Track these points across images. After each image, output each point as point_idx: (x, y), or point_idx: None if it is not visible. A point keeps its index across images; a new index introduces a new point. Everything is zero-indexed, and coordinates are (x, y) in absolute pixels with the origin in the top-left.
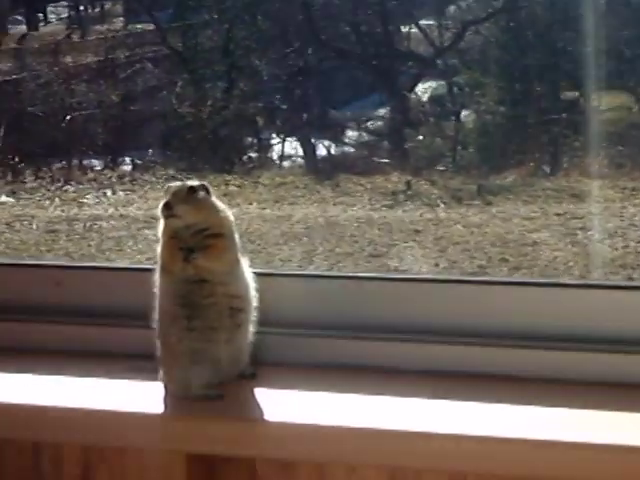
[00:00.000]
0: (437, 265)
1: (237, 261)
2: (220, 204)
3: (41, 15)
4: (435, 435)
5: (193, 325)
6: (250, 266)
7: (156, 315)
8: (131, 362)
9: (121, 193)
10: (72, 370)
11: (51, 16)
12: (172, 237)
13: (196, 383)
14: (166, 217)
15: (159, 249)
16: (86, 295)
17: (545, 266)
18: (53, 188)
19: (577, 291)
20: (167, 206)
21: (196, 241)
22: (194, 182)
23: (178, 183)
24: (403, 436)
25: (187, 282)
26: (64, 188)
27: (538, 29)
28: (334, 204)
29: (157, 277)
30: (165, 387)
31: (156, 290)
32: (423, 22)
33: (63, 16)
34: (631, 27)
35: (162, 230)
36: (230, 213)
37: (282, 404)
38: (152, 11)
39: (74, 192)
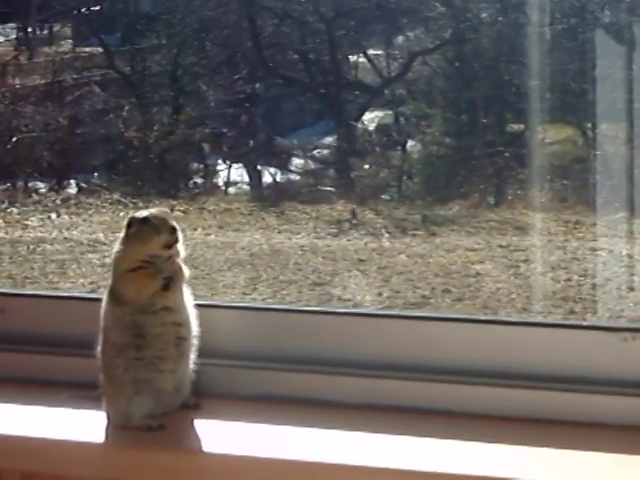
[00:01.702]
0: (380, 294)
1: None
2: None
3: None
4: (372, 469)
5: (141, 355)
6: (191, 294)
7: (101, 344)
8: (73, 391)
9: (65, 216)
10: (14, 397)
11: None
12: (141, 266)
13: (139, 413)
14: (170, 243)
15: (114, 278)
16: (29, 323)
17: (488, 297)
18: None
19: (516, 328)
20: (174, 230)
21: (167, 267)
22: (162, 208)
23: (155, 210)
24: (342, 470)
25: (145, 312)
26: (8, 210)
27: (485, 61)
28: (279, 231)
29: (107, 307)
30: (107, 416)
31: (103, 320)
32: (371, 52)
33: (11, 37)
34: (577, 61)
35: (126, 257)
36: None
37: (223, 435)
38: (100, 34)
39: (18, 214)
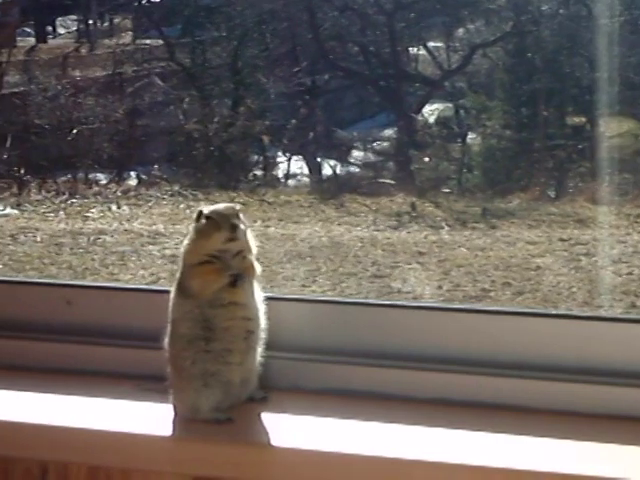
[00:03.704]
0: (440, 287)
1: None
2: None
3: (50, 28)
4: (439, 464)
5: (210, 347)
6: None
7: (169, 337)
8: (141, 383)
9: (126, 208)
10: (81, 390)
11: (60, 29)
12: (208, 261)
13: (206, 406)
14: (230, 240)
15: (183, 271)
16: (96, 314)
17: (548, 291)
18: (58, 201)
19: (580, 322)
20: (234, 228)
21: (235, 263)
22: (231, 204)
23: (221, 206)
24: (410, 465)
25: (213, 306)
26: (69, 201)
27: (546, 54)
28: (339, 224)
29: (175, 300)
30: (175, 409)
31: (171, 312)
32: (431, 44)
33: (72, 29)
34: (638, 53)
35: (193, 250)
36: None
37: (291, 429)
38: (161, 27)
39: (79, 206)
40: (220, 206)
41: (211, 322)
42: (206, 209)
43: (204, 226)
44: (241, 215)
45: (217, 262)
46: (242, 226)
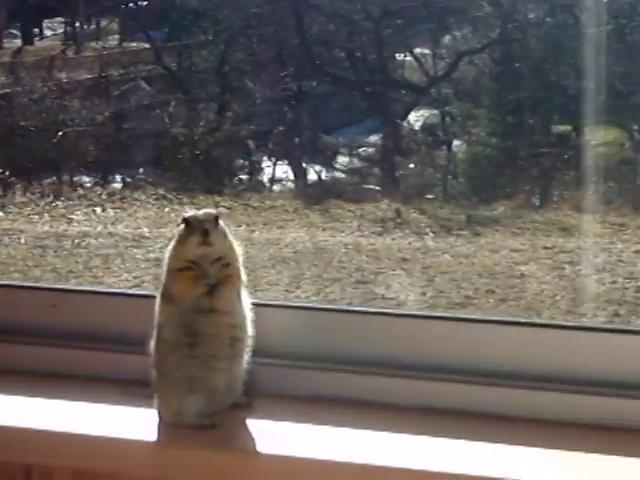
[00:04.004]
0: (424, 294)
1: (240, 291)
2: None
3: (37, 30)
4: (421, 472)
5: (195, 353)
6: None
7: (154, 341)
8: (125, 388)
9: (110, 211)
10: (65, 393)
11: (47, 31)
12: (187, 266)
13: (190, 411)
14: (203, 244)
15: (166, 276)
16: (81, 318)
17: (532, 299)
18: (43, 203)
19: (562, 331)
20: (206, 233)
21: (214, 271)
22: (210, 210)
23: (201, 211)
24: (394, 472)
25: (195, 311)
26: (54, 204)
27: (532, 62)
28: (323, 229)
29: (160, 304)
30: (159, 414)
31: (157, 317)
32: (418, 50)
33: (59, 32)
34: (625, 62)
35: (173, 256)
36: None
37: (275, 436)
38: (148, 30)
39: (64, 208)
40: (200, 211)
41: (194, 328)
42: (186, 214)
43: (181, 231)
44: (220, 221)
45: (196, 269)
46: (219, 231)
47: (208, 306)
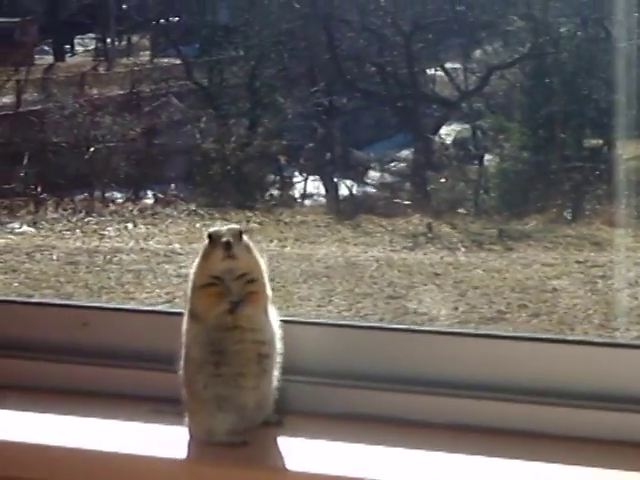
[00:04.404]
0: (456, 309)
1: (267, 307)
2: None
3: (68, 46)
4: None
5: (221, 371)
6: (277, 313)
7: (182, 360)
8: (156, 405)
9: (142, 226)
10: (96, 411)
11: (78, 47)
12: (210, 282)
13: (221, 429)
14: (227, 258)
15: (191, 293)
16: (113, 336)
17: (564, 313)
18: (74, 219)
19: (596, 349)
20: (228, 246)
21: (238, 287)
22: (234, 226)
23: (224, 227)
24: None
25: (219, 329)
26: (85, 220)
27: (564, 76)
28: (355, 244)
29: (186, 323)
30: (190, 432)
31: (183, 335)
32: (449, 65)
33: (90, 48)
34: None
35: (198, 272)
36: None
37: (306, 454)
38: (179, 46)
39: (95, 224)
40: (224, 226)
41: (220, 346)
42: (210, 229)
43: (205, 246)
44: (244, 236)
45: (220, 285)
46: (242, 246)
47: (232, 323)
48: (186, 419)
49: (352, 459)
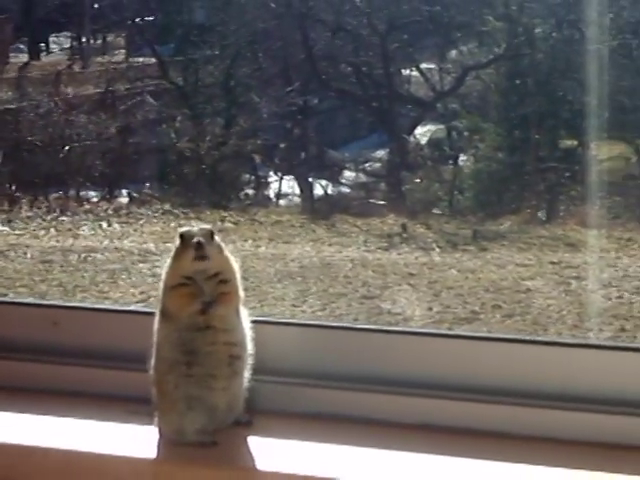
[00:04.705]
0: (430, 309)
1: (238, 308)
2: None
3: (43, 45)
4: None
5: (192, 372)
6: (250, 312)
7: (153, 360)
8: (126, 405)
9: (117, 226)
10: (66, 411)
11: (53, 46)
12: (182, 283)
13: (191, 429)
14: (198, 258)
15: (162, 293)
16: (83, 335)
17: (538, 314)
18: (49, 218)
19: (570, 350)
20: (200, 246)
21: (210, 288)
22: (205, 226)
23: (195, 227)
24: None
25: (191, 329)
26: (60, 218)
27: (539, 77)
28: (329, 244)
29: (157, 322)
30: (160, 432)
31: (155, 335)
32: (424, 65)
33: (65, 46)
34: (631, 78)
35: (170, 272)
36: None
37: (276, 453)
38: (154, 44)
39: (70, 223)
40: (196, 226)
41: (191, 346)
42: (182, 229)
43: (177, 246)
44: (216, 236)
45: (191, 285)
46: (214, 246)
47: (204, 323)
48: (156, 419)
49: (322, 459)
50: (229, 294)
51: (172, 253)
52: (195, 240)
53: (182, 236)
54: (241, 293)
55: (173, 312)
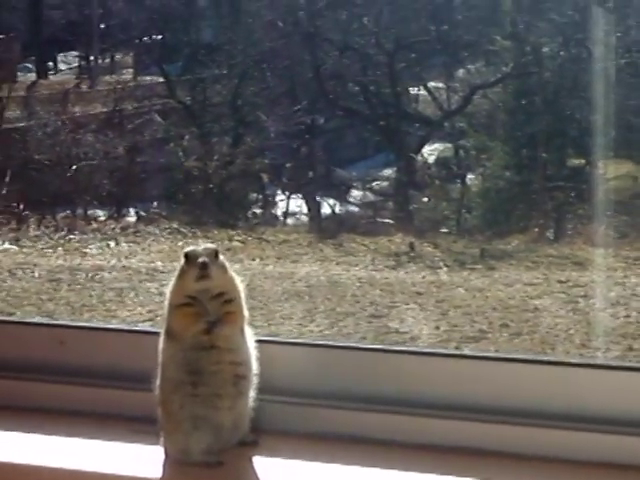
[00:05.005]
0: (438, 328)
1: (243, 328)
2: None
3: (51, 64)
4: None
5: (198, 392)
6: (257, 332)
7: (158, 380)
8: (132, 425)
9: (124, 244)
10: (73, 431)
11: (61, 65)
12: (186, 302)
13: (196, 449)
14: (202, 278)
15: (167, 313)
16: (89, 355)
17: (546, 333)
18: (57, 237)
19: (577, 370)
20: (204, 266)
21: (214, 307)
22: (209, 245)
23: (201, 246)
24: None
25: (196, 349)
26: (67, 237)
27: (546, 95)
28: (337, 263)
29: (162, 342)
30: (165, 451)
31: (160, 355)
32: (432, 84)
33: (73, 65)
34: (638, 96)
35: (174, 292)
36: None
37: (282, 474)
38: (162, 63)
39: (77, 242)
40: (201, 245)
41: (196, 366)
42: (186, 249)
43: (182, 265)
44: (220, 256)
45: (196, 305)
46: (219, 266)
47: (209, 343)
48: (162, 438)
49: (328, 479)
50: (234, 314)
51: (176, 272)
52: (200, 260)
53: (187, 255)
54: (246, 313)
55: (178, 332)
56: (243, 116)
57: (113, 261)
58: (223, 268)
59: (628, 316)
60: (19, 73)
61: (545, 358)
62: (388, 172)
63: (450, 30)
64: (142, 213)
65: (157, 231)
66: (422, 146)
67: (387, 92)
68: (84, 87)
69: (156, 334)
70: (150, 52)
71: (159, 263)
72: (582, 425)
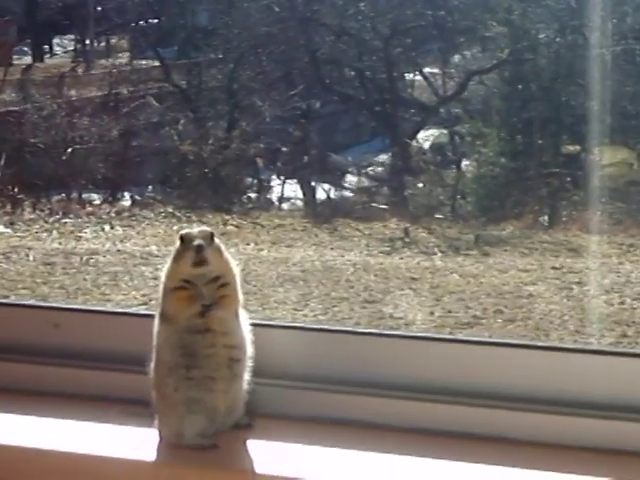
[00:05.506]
0: (432, 314)
1: (238, 311)
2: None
3: (47, 47)
4: None
5: (192, 375)
6: (251, 316)
7: (153, 362)
8: (126, 407)
9: (119, 228)
10: (67, 413)
11: (57, 48)
12: (182, 286)
13: (191, 432)
14: (199, 263)
15: (162, 296)
16: (83, 338)
17: (540, 319)
18: (51, 220)
19: (571, 355)
20: (200, 250)
21: (209, 291)
22: (204, 228)
23: (196, 229)
24: None
25: (190, 332)
26: (62, 221)
27: (542, 82)
28: (332, 248)
29: (157, 325)
30: (160, 434)
31: (155, 338)
32: (427, 70)
33: (69, 49)
34: (634, 83)
35: (169, 275)
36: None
37: (275, 456)
38: (157, 47)
39: (72, 225)
40: (196, 228)
41: (191, 349)
42: (182, 232)
43: (177, 248)
44: (216, 240)
45: (191, 288)
46: (214, 249)
47: (203, 326)
48: (156, 421)
49: (322, 462)
50: (228, 297)
51: (172, 255)
52: (195, 243)
53: (182, 238)
54: (240, 296)
55: (172, 315)
56: (238, 100)
57: (108, 245)
58: (219, 251)
59: (622, 303)
60: (15, 56)
61: (539, 343)
62: (383, 157)
63: (446, 16)
64: (137, 197)
65: (152, 215)
66: (417, 132)
67: (383, 77)
68: (80, 70)
69: (151, 317)
70: (146, 36)
71: (154, 247)
72: (576, 410)
